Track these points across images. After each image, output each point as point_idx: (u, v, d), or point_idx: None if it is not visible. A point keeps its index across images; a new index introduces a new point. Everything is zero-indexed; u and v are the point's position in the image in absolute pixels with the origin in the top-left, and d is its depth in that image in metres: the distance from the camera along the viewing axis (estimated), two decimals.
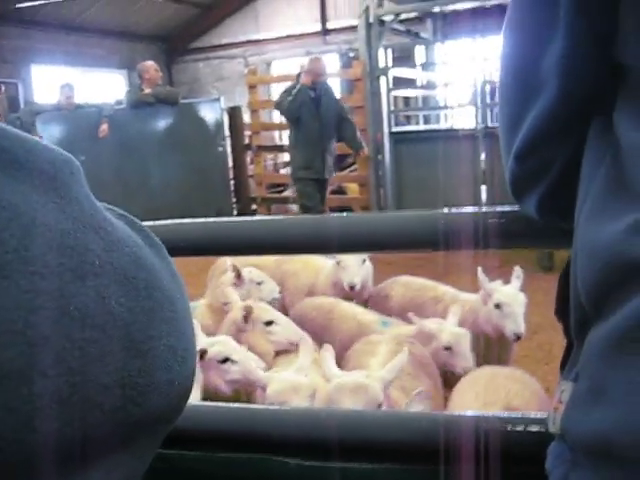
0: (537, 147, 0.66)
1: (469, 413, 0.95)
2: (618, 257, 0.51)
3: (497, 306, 2.77)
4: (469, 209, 0.85)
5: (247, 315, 2.51)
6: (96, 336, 0.32)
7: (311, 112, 5.94)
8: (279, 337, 2.51)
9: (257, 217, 0.92)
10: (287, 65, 11.12)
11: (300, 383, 1.79)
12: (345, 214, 0.89)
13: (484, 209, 0.84)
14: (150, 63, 7.07)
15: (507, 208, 0.82)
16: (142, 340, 0.34)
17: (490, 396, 2.07)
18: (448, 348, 2.52)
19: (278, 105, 6.16)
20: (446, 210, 0.85)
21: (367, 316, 2.93)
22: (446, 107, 8.53)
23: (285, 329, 2.53)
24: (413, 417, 0.95)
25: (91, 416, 0.31)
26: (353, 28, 8.34)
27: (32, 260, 0.30)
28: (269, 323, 2.52)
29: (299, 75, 6.14)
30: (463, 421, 0.93)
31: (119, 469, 0.34)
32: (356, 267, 3.28)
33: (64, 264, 0.31)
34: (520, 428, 0.89)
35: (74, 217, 0.33)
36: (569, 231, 0.74)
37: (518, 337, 2.73)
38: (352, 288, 3.26)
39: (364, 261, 3.35)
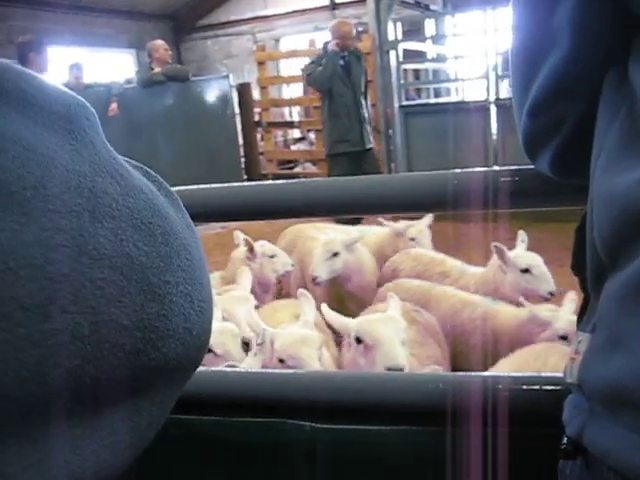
0: (550, 103, 0.65)
1: (482, 373, 0.95)
2: (634, 205, 0.51)
3: (526, 270, 2.81)
4: (481, 169, 0.84)
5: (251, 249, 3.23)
6: (114, 277, 0.32)
7: (343, 80, 5.72)
8: (279, 266, 3.29)
9: (271, 182, 0.91)
10: (295, 41, 11.04)
11: (308, 335, 1.81)
12: (355, 177, 0.88)
13: (497, 168, 0.83)
14: (160, 42, 7.06)
15: (521, 167, 0.82)
16: (159, 285, 0.35)
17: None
18: (564, 337, 2.41)
19: (308, 77, 5.88)
20: (458, 170, 0.84)
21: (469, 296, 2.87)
22: (457, 80, 8.46)
23: (284, 260, 3.32)
24: (428, 379, 0.95)
25: (112, 356, 0.32)
26: (362, 2, 8.26)
27: (51, 198, 0.31)
28: (272, 256, 3.28)
29: (326, 44, 5.88)
30: (476, 381, 0.93)
31: (141, 415, 0.35)
32: (322, 258, 3.14)
33: (82, 205, 0.32)
34: (536, 387, 0.89)
35: (90, 160, 0.34)
36: (583, 188, 0.73)
37: (552, 294, 2.78)
38: (314, 280, 3.10)
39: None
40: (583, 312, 0.62)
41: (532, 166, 0.80)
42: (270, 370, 1.04)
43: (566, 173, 0.71)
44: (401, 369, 1.72)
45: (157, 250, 0.35)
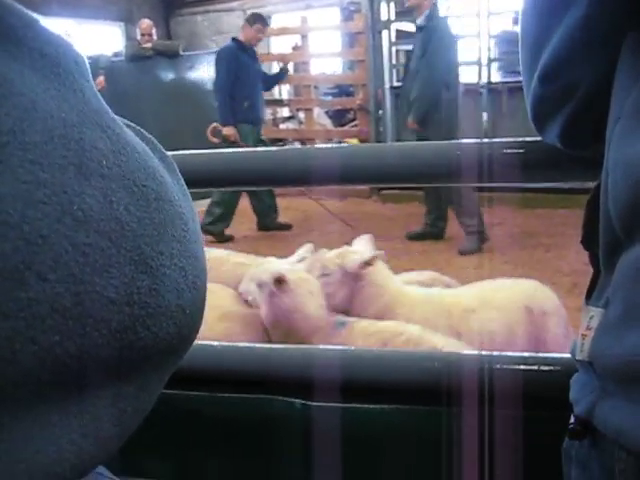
0: (563, 67, 0.62)
1: (478, 352, 0.93)
2: None
3: None
4: (486, 140, 0.81)
5: None
6: (102, 243, 0.28)
7: None
8: None
9: (267, 148, 0.87)
10: (287, 18, 10.92)
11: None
12: (355, 145, 0.85)
13: (502, 139, 0.80)
14: (147, 21, 7.00)
15: (528, 138, 0.79)
16: (151, 256, 0.31)
17: None
18: None
19: None
20: (462, 141, 0.81)
21: None
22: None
23: None
24: (423, 356, 0.93)
25: (96, 333, 0.28)
26: None
27: (31, 147, 0.26)
28: None
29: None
30: (472, 360, 0.91)
31: (126, 400, 0.31)
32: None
33: (67, 157, 0.28)
34: (534, 367, 0.87)
35: (79, 110, 0.30)
36: (592, 161, 0.71)
37: None
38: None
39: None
40: (593, 287, 0.59)
41: (539, 138, 0.77)
42: (259, 345, 1.02)
43: (576, 144, 0.69)
44: None
45: (150, 216, 0.31)
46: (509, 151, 0.78)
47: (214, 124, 5.83)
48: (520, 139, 0.79)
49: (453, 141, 0.79)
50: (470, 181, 0.79)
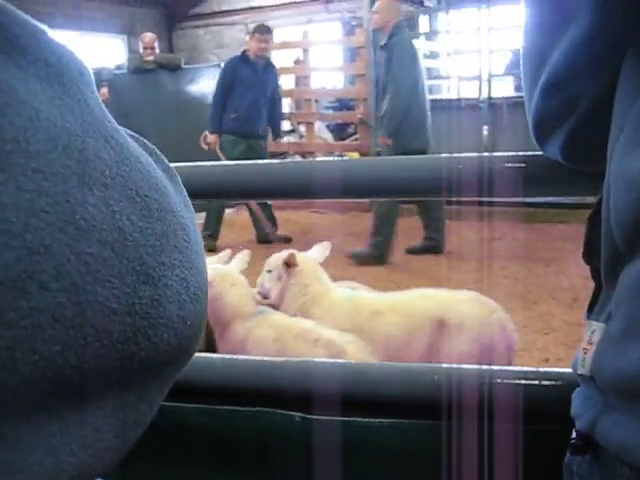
0: (565, 82, 0.62)
1: (478, 366, 0.93)
2: None
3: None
4: (487, 154, 0.81)
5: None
6: (104, 253, 0.28)
7: None
8: None
9: (268, 161, 0.87)
10: (288, 33, 10.97)
11: None
12: (355, 159, 0.85)
13: (503, 153, 0.80)
14: (150, 35, 7.03)
15: (529, 152, 0.79)
16: (153, 266, 0.31)
17: None
18: None
19: None
20: (463, 154, 0.81)
21: None
22: (449, 77, 8.44)
23: None
24: (422, 370, 0.92)
25: (97, 344, 0.28)
26: None
27: (34, 156, 0.26)
28: None
29: None
30: (472, 374, 0.90)
31: (126, 411, 0.31)
32: None
33: (70, 167, 0.28)
34: (534, 382, 0.86)
35: (83, 120, 0.30)
36: (593, 176, 0.71)
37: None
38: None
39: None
40: (595, 301, 0.59)
41: (540, 152, 0.77)
42: (260, 357, 1.01)
43: (578, 158, 0.69)
44: None
45: (153, 227, 0.31)
46: (510, 165, 0.78)
47: (205, 132, 5.93)
48: (521, 153, 0.79)
49: (454, 155, 0.79)
50: (471, 195, 0.79)
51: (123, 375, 0.30)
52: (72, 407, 0.27)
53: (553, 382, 0.86)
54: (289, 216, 6.54)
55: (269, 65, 6.03)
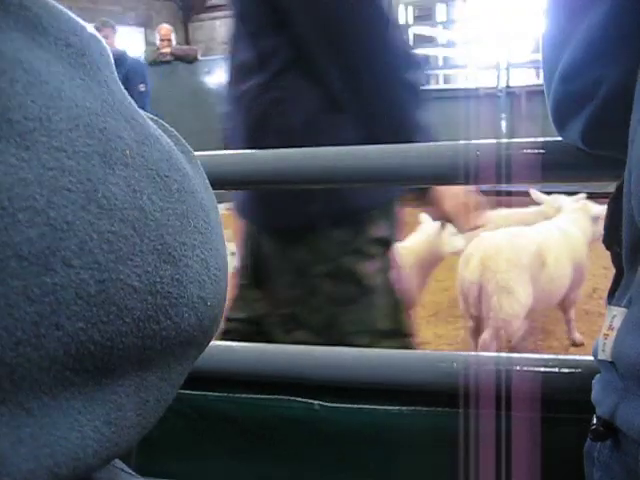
0: (585, 65, 0.61)
1: (497, 354, 0.92)
2: None
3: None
4: (505, 140, 0.80)
5: None
6: (125, 231, 0.28)
7: None
8: None
9: (288, 149, 0.87)
10: None
11: None
12: (372, 146, 0.84)
13: (522, 139, 0.79)
14: (167, 27, 7.05)
15: (547, 139, 0.78)
16: (174, 246, 0.31)
17: None
18: None
19: None
20: (481, 141, 0.81)
21: None
22: (467, 66, 8.38)
23: None
24: (441, 358, 0.92)
25: (119, 321, 0.28)
26: None
27: (56, 134, 0.27)
28: None
29: None
30: (491, 362, 0.90)
31: (148, 390, 0.31)
32: None
33: (91, 146, 0.28)
34: (554, 370, 0.86)
35: (103, 100, 0.30)
36: (614, 161, 0.70)
37: None
38: None
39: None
40: (616, 286, 0.59)
41: (559, 138, 0.77)
42: (276, 345, 1.01)
43: (598, 144, 0.68)
44: None
45: (173, 207, 0.31)
46: (529, 151, 0.77)
47: None
48: (540, 139, 0.78)
49: (472, 141, 0.79)
50: (489, 182, 0.78)
51: (145, 354, 0.30)
52: (95, 384, 0.28)
53: (573, 369, 0.86)
54: None
55: None
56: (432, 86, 8.35)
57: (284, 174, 0.85)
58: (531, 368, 0.87)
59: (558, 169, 0.78)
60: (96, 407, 0.28)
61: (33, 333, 0.25)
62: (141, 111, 0.34)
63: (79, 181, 0.27)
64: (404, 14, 7.12)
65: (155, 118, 0.38)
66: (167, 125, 0.39)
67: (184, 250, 0.32)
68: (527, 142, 0.79)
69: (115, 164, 0.29)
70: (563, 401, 0.84)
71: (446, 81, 8.63)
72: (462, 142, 0.79)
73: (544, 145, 0.78)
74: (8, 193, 0.24)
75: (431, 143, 0.79)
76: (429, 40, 8.09)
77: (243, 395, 0.96)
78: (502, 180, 0.78)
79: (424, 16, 8.93)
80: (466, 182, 0.78)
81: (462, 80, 8.55)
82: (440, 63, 8.78)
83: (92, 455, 0.28)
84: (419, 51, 8.04)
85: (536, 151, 0.77)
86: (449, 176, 0.80)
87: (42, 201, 0.25)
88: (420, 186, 1.20)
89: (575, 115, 0.65)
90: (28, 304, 0.24)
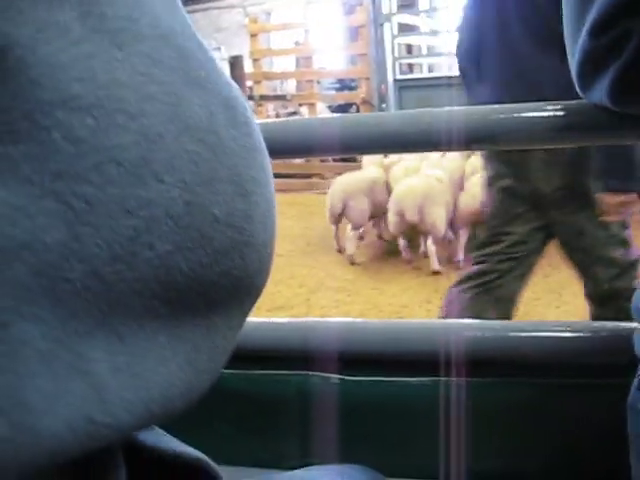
0: (614, 18, 0.61)
1: (515, 322, 0.92)
2: None
3: None
4: (525, 104, 0.79)
5: None
6: (207, 155, 0.26)
7: None
8: None
9: (281, 119, 0.86)
10: (287, 14, 10.89)
11: None
12: (386, 113, 0.83)
13: (542, 103, 0.78)
14: None
15: (567, 101, 0.77)
16: (246, 179, 0.29)
17: None
18: None
19: None
20: (498, 105, 0.80)
21: None
22: (451, 54, 8.38)
23: None
24: (457, 326, 0.91)
25: (201, 251, 0.26)
26: None
27: (142, 38, 0.25)
28: None
29: None
30: (509, 329, 0.90)
31: (217, 335, 0.29)
32: None
33: (173, 59, 0.26)
34: (572, 334, 0.85)
35: (179, 21, 0.28)
36: (637, 120, 0.69)
37: None
38: None
39: None
40: None
41: (576, 101, 0.76)
42: (292, 319, 1.00)
43: (625, 101, 0.67)
44: None
45: (243, 139, 0.29)
46: (550, 113, 0.77)
47: None
48: (559, 102, 0.78)
49: (495, 105, 0.78)
50: (512, 145, 0.78)
51: (218, 293, 0.29)
52: (176, 320, 0.26)
53: (591, 334, 0.85)
54: (294, 198, 6.53)
55: None
56: (416, 75, 8.36)
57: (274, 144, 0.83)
58: (555, 334, 0.87)
59: (580, 129, 0.77)
60: (178, 345, 0.26)
61: (129, 250, 0.23)
62: None
63: (165, 92, 0.25)
64: (387, 3, 7.09)
65: None
66: None
67: (254, 185, 0.30)
68: (547, 104, 0.78)
69: (194, 84, 0.27)
70: (590, 367, 0.84)
71: (430, 69, 8.63)
72: (483, 107, 0.78)
73: (565, 107, 0.77)
74: (106, 91, 0.22)
75: (447, 108, 0.78)
76: (412, 29, 8.08)
77: (259, 372, 0.95)
78: (525, 143, 0.77)
79: (408, 5, 8.92)
80: (489, 146, 0.77)
81: (446, 68, 8.55)
82: (424, 52, 8.78)
83: (179, 395, 0.26)
84: (403, 40, 8.04)
85: (556, 113, 0.77)
86: (472, 140, 0.79)
87: (136, 106, 0.23)
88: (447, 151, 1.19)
89: (603, 71, 0.65)
90: (125, 216, 0.23)
